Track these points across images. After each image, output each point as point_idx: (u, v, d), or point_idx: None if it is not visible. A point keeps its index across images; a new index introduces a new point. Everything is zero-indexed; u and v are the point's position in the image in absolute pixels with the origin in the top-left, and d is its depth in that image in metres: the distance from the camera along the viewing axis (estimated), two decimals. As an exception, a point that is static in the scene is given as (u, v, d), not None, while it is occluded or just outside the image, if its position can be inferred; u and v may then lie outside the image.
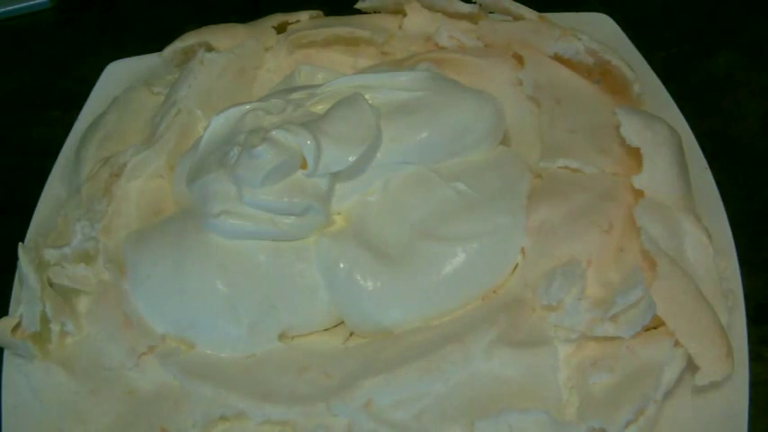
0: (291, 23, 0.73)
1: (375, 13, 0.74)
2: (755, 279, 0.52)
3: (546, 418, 0.45)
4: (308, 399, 0.48)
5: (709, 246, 0.52)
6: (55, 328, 0.53)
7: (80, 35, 0.93)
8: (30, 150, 0.79)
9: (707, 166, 0.59)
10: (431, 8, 0.71)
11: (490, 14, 0.71)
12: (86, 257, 0.56)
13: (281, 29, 0.73)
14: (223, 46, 0.69)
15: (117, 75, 0.75)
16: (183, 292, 0.52)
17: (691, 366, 0.47)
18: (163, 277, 0.53)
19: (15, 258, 0.55)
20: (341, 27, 0.69)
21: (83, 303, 0.55)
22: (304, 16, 0.74)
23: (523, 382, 0.47)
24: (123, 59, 0.77)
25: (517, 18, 0.69)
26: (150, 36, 0.87)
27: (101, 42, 0.91)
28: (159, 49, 0.71)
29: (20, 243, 0.55)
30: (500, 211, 0.53)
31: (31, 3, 0.96)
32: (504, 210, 0.53)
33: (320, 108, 0.56)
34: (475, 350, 0.48)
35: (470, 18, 0.70)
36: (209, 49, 0.69)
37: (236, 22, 0.73)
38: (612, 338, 0.48)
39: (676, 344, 0.47)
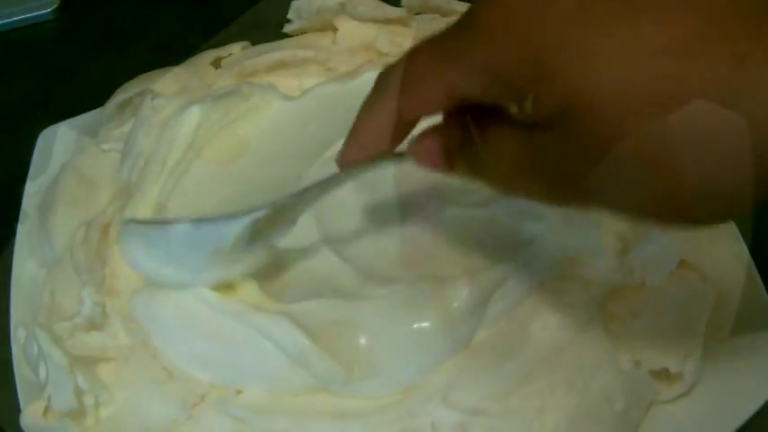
0: (224, 57, 0.73)
1: (303, 33, 0.74)
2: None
3: (613, 370, 0.46)
4: (382, 408, 0.47)
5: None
6: (88, 401, 0.49)
7: (82, 46, 0.92)
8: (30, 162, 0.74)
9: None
10: (361, 18, 0.72)
11: (416, 16, 0.73)
12: (97, 324, 0.53)
13: (216, 64, 0.72)
14: (167, 90, 0.67)
15: (53, 141, 0.72)
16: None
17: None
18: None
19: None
20: (283, 51, 0.69)
21: (105, 371, 0.51)
22: (235, 48, 0.73)
23: (576, 343, 0.48)
24: (55, 125, 0.73)
25: (447, 14, 0.71)
26: (152, 46, 0.88)
27: (103, 53, 0.90)
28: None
29: (36, 325, 0.52)
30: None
31: (33, 14, 0.95)
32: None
33: None
34: (529, 323, 0.48)
35: (401, 22, 0.72)
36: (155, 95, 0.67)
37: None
38: (642, 285, 0.50)
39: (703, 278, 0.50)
